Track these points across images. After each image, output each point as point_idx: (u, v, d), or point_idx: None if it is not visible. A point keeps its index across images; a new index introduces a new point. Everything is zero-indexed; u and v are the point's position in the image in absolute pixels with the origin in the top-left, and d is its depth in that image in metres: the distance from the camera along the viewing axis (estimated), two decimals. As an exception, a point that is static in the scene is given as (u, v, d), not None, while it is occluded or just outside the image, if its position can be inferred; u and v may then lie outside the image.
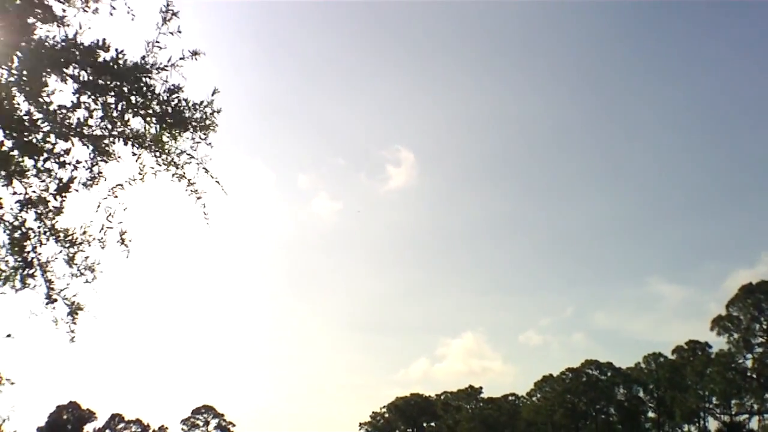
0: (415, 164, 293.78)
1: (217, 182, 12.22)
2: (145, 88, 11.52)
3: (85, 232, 12.16)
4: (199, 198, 12.23)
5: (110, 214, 11.98)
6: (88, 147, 11.67)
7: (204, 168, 12.18)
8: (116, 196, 12.00)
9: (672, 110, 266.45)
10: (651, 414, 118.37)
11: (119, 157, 11.88)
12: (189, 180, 12.12)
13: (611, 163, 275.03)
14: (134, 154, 11.90)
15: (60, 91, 11.14)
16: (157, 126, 11.80)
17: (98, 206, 11.95)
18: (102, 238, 12.10)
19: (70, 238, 12.15)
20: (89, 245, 12.22)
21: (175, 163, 12.09)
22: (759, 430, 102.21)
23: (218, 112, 12.14)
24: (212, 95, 12.13)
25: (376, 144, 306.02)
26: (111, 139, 11.76)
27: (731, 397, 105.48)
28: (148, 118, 11.73)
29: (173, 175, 12.10)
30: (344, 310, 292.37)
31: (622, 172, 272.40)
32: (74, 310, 12.46)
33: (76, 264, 12.30)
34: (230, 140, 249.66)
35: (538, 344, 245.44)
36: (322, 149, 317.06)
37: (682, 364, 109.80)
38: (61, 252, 12.27)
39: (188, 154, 12.09)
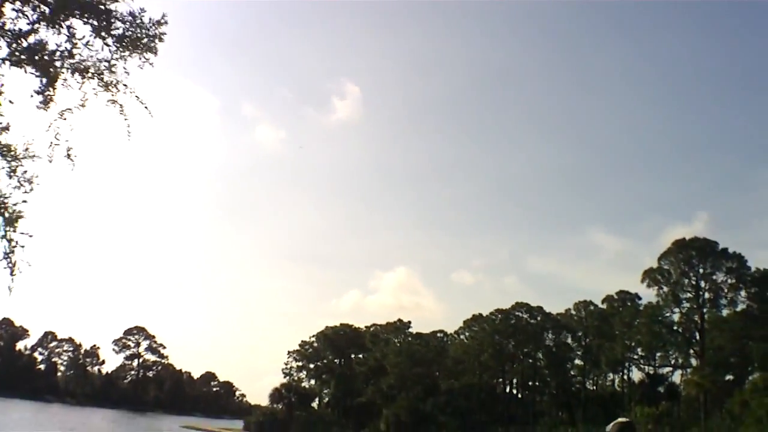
0: (360, 98, 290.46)
1: (145, 107, 13.56)
2: (105, 13, 12.98)
3: (27, 149, 13.21)
4: (126, 119, 13.51)
5: (58, 133, 12.99)
6: (39, 74, 12.75)
7: (135, 96, 13.43)
8: (65, 119, 13.01)
9: (627, 66, 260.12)
10: (578, 361, 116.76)
11: (67, 84, 13.05)
12: (120, 105, 13.38)
13: (560, 113, 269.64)
14: (78, 83, 13.16)
15: (17, 18, 12.47)
16: (115, 47, 13.22)
17: (49, 126, 12.99)
18: (50, 154, 13.09)
19: (12, 153, 13.14)
20: (32, 160, 13.24)
21: (110, 90, 13.28)
22: (681, 383, 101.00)
23: (164, 34, 13.67)
24: (162, 17, 13.62)
25: (322, 76, 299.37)
26: (60, 69, 12.89)
27: (656, 349, 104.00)
28: (108, 40, 13.15)
29: (108, 100, 13.33)
30: (281, 239, 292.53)
31: (570, 122, 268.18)
32: (14, 218, 13.20)
33: (16, 176, 13.30)
34: (176, 66, 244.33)
35: (471, 284, 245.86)
36: (268, 79, 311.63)
37: (612, 314, 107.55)
38: (3, 166, 13.28)
39: (124, 84, 13.36)
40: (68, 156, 13.22)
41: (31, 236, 13.21)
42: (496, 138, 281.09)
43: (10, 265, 13.05)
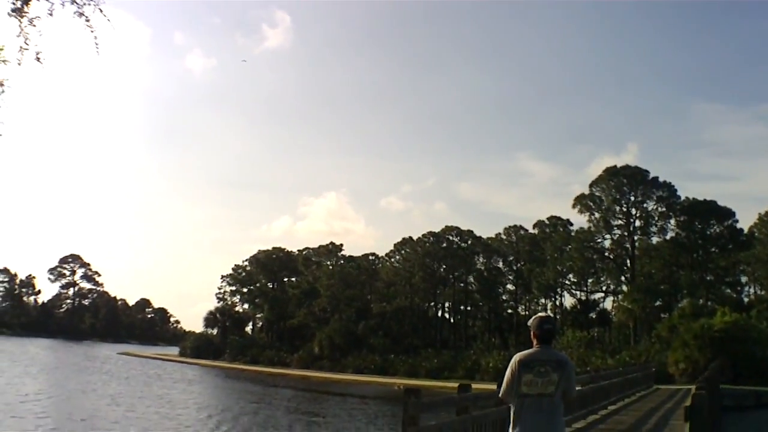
0: (291, 27, 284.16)
1: (108, 20, 13.22)
2: None
3: None
4: (92, 31, 13.20)
5: (27, 39, 12.88)
6: None
7: (99, 8, 13.12)
8: (34, 25, 12.91)
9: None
10: (509, 286, 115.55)
11: None
12: (86, 17, 13.02)
13: (491, 40, 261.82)
14: None
15: None
16: None
17: (20, 32, 12.85)
18: (19, 58, 13.01)
19: None
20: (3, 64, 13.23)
21: (77, 2, 12.95)
22: (612, 309, 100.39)
23: None
24: None
25: (253, 4, 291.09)
26: None
27: (588, 275, 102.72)
28: None
29: (74, 12, 12.98)
30: (210, 166, 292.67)
31: (501, 49, 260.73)
32: None
33: None
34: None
35: (401, 210, 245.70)
36: (198, 7, 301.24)
37: (543, 239, 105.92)
38: None
39: None
40: (38, 59, 13.22)
41: None
42: (426, 64, 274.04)
43: None
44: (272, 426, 40.11)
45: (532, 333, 8.14)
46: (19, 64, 13.20)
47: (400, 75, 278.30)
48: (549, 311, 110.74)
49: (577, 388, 17.54)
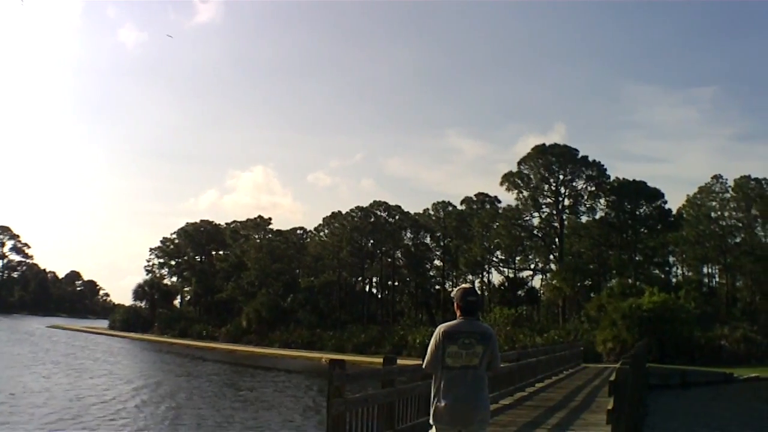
0: (221, 1, 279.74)
1: None
2: None
3: None
4: None
5: None
6: None
7: None
8: None
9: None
10: (437, 262, 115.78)
11: None
12: None
13: (422, 14, 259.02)
14: None
15: None
16: None
17: None
18: None
19: None
20: None
21: None
22: (541, 288, 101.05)
23: None
24: None
25: None
26: None
27: (515, 253, 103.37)
28: None
29: None
30: (139, 138, 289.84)
31: (432, 24, 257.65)
32: None
33: None
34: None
35: (328, 185, 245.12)
36: None
37: (470, 215, 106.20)
38: None
39: None
40: None
41: None
42: (355, 39, 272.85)
43: None
44: (192, 396, 39.30)
45: (455, 304, 7.88)
46: None
47: (328, 49, 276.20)
48: (477, 288, 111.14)
49: (503, 365, 17.18)
